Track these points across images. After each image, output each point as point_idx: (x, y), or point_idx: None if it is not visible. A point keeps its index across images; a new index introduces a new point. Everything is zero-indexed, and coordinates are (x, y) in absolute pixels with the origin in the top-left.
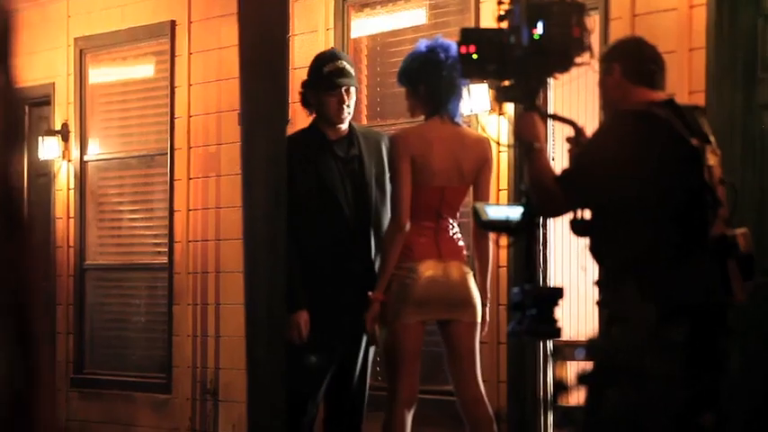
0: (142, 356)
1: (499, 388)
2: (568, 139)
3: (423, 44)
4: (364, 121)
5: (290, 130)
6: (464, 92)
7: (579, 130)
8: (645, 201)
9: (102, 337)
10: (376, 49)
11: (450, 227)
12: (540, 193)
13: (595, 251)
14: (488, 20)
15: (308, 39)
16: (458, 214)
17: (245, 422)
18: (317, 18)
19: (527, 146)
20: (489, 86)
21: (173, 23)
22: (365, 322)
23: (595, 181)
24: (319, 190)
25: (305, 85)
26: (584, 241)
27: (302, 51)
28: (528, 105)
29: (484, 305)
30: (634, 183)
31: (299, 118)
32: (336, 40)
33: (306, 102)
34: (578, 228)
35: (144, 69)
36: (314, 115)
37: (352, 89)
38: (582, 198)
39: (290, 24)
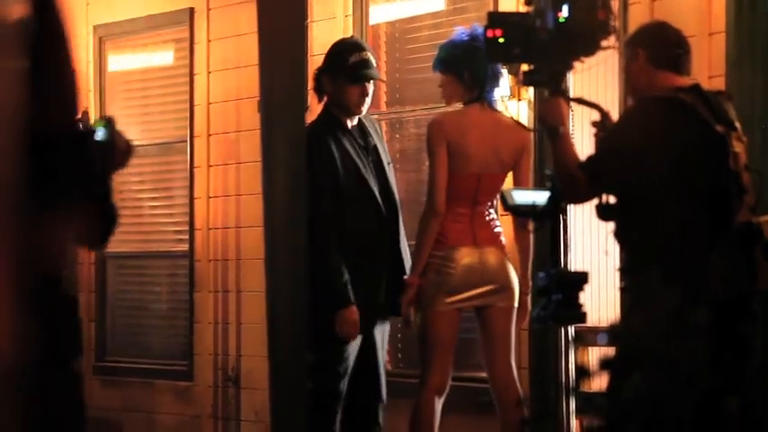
0: (163, 344)
1: (521, 374)
2: (594, 124)
3: (463, 33)
4: (384, 108)
5: (308, 117)
6: (501, 78)
7: (605, 115)
8: (670, 187)
9: (123, 324)
10: (395, 35)
11: (487, 213)
12: (564, 178)
13: (620, 236)
14: (507, 6)
15: (326, 25)
16: (495, 201)
17: (267, 409)
18: (336, 5)
19: (552, 130)
20: (509, 72)
21: (191, 11)
22: (400, 306)
23: (620, 167)
24: (352, 180)
25: (323, 70)
26: (606, 226)
27: (321, 38)
28: (553, 89)
29: (525, 294)
30: (659, 169)
31: (318, 105)
32: (355, 26)
33: (320, 88)
34: (604, 212)
35: (163, 57)
36: (324, 101)
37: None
38: (607, 184)
39: (309, 11)
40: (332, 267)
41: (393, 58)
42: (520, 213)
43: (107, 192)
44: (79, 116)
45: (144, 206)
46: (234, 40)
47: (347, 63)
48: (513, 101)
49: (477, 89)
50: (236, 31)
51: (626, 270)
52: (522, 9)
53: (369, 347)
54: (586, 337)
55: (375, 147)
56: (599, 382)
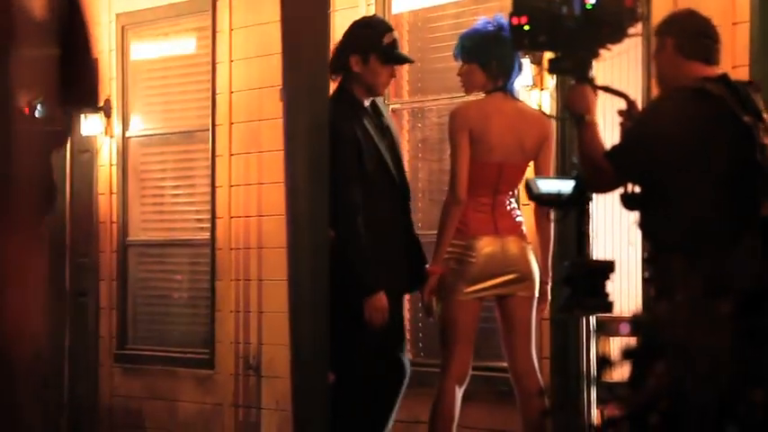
0: (185, 332)
1: (542, 364)
2: (620, 112)
3: (487, 23)
4: (406, 97)
5: None
6: (523, 67)
7: (632, 104)
8: (695, 178)
9: (144, 312)
10: (417, 24)
11: (508, 202)
12: (589, 167)
13: (645, 226)
14: None
15: (348, 14)
16: (516, 190)
17: (288, 397)
18: None
19: (578, 118)
20: (532, 61)
21: None
22: (417, 286)
23: (645, 157)
24: (374, 162)
25: (351, 50)
26: (629, 215)
27: (343, 27)
28: (580, 77)
29: (545, 283)
30: (685, 160)
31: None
32: (377, 15)
33: (341, 66)
34: (629, 202)
35: (185, 45)
36: (338, 80)
37: None
38: (632, 173)
39: (331, 0)
40: (360, 254)
41: (415, 47)
42: (545, 202)
43: (46, 169)
44: (101, 104)
45: (166, 194)
46: (256, 29)
47: (382, 44)
48: (535, 90)
49: (503, 78)
50: (258, 20)
51: (650, 260)
52: None
53: (391, 333)
54: (608, 327)
55: (388, 127)
56: (621, 372)
